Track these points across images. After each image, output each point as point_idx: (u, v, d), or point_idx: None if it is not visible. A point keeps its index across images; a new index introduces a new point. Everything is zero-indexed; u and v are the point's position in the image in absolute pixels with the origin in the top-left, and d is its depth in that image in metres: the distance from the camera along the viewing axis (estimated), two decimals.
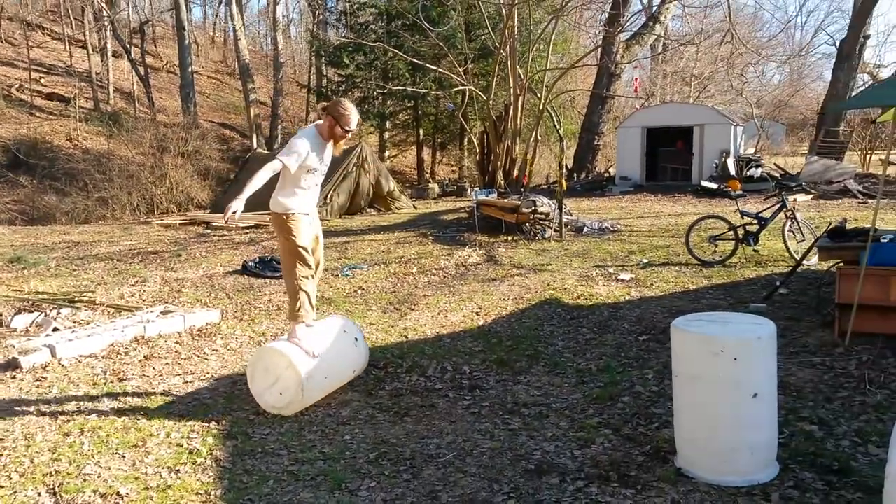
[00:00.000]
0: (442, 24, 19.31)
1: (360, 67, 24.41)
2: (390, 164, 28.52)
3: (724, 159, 17.38)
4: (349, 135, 4.46)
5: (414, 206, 16.68)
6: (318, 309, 7.02)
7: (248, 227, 13.41)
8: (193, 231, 13.88)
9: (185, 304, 7.46)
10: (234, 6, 26.74)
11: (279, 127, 27.29)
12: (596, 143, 21.77)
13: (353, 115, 4.37)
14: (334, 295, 7.68)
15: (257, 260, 9.16)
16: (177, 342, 6.03)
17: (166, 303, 7.43)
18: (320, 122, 4.45)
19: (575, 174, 21.12)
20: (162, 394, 4.82)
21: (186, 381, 5.08)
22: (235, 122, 30.07)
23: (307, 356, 4.34)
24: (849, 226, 6.66)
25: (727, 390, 3.20)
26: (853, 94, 19.11)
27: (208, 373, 5.26)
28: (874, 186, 15.87)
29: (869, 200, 14.39)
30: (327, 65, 27.21)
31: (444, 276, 8.58)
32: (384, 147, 28.85)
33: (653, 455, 3.58)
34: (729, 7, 19.95)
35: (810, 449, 3.54)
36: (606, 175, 20.76)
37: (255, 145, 22.58)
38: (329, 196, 14.70)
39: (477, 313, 6.74)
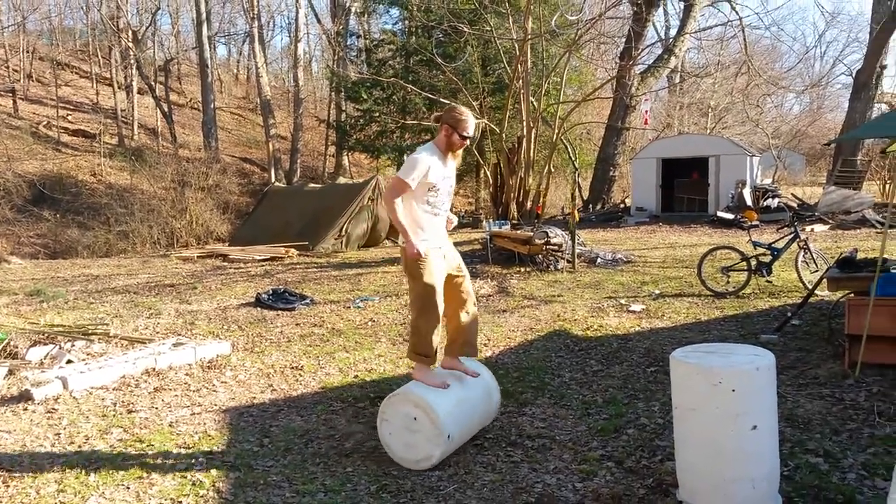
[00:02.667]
0: (458, 60, 19.62)
1: (378, 102, 24.82)
2: None
3: (740, 189, 17.32)
4: (468, 142, 4.14)
5: None
6: (328, 341, 7.10)
7: (263, 260, 13.56)
8: (210, 264, 14.07)
9: (197, 336, 7.55)
10: (256, 44, 27.44)
11: (298, 161, 27.74)
12: (611, 174, 21.83)
13: (470, 119, 4.06)
14: (344, 327, 7.73)
15: (270, 292, 9.26)
16: (187, 374, 6.10)
17: (179, 335, 7.52)
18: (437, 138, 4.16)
19: (590, 205, 21.15)
20: (169, 425, 4.86)
21: (194, 413, 5.12)
22: (256, 156, 30.62)
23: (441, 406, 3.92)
24: (864, 256, 6.62)
25: (726, 422, 3.17)
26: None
27: (216, 404, 5.30)
28: (894, 216, 15.68)
29: (889, 230, 14.21)
30: (346, 100, 27.70)
31: None
32: None
33: (655, 488, 3.54)
34: (744, 39, 20.10)
35: (815, 482, 3.48)
36: (622, 206, 20.77)
37: (273, 179, 22.94)
38: (345, 228, 14.86)
39: (485, 345, 6.73)
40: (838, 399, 4.68)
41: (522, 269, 11.04)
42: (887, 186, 20.62)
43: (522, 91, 13.77)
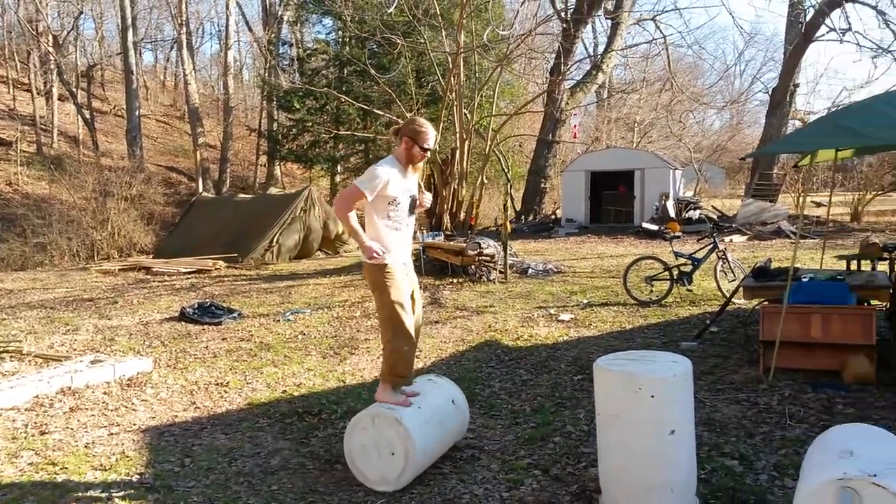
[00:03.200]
0: (392, 71, 19.63)
1: (311, 112, 24.56)
2: None
3: (663, 202, 17.93)
4: (428, 154, 4.07)
5: None
6: (256, 356, 6.95)
7: (189, 273, 13.17)
8: (133, 277, 13.56)
9: (117, 352, 7.25)
10: (184, 51, 26.74)
11: (228, 170, 27.14)
12: (543, 185, 22.23)
13: (430, 131, 3.99)
14: (273, 341, 7.58)
15: (196, 306, 8.99)
16: (105, 393, 5.85)
17: (97, 352, 7.21)
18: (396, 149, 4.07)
19: (523, 216, 21.47)
20: (85, 447, 4.64)
21: (112, 433, 4.91)
22: (183, 165, 29.76)
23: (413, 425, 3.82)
24: (777, 265, 6.95)
25: (646, 428, 3.26)
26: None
27: (135, 424, 5.10)
28: (807, 227, 16.56)
29: (801, 241, 14.98)
30: (278, 109, 27.30)
31: None
32: (336, 190, 28.87)
33: (579, 495, 3.61)
34: (668, 56, 20.88)
35: (730, 484, 3.62)
36: (553, 217, 21.17)
37: (201, 189, 22.34)
38: (276, 239, 14.60)
39: (417, 356, 6.70)
40: (753, 403, 4.88)
41: (455, 280, 11.10)
42: (800, 199, 21.76)
43: (456, 103, 13.88)
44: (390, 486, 3.76)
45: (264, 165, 29.99)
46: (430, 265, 11.89)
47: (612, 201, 19.64)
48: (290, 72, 26.99)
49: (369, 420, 3.86)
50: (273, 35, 28.05)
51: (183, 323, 8.64)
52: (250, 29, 35.59)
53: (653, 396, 3.23)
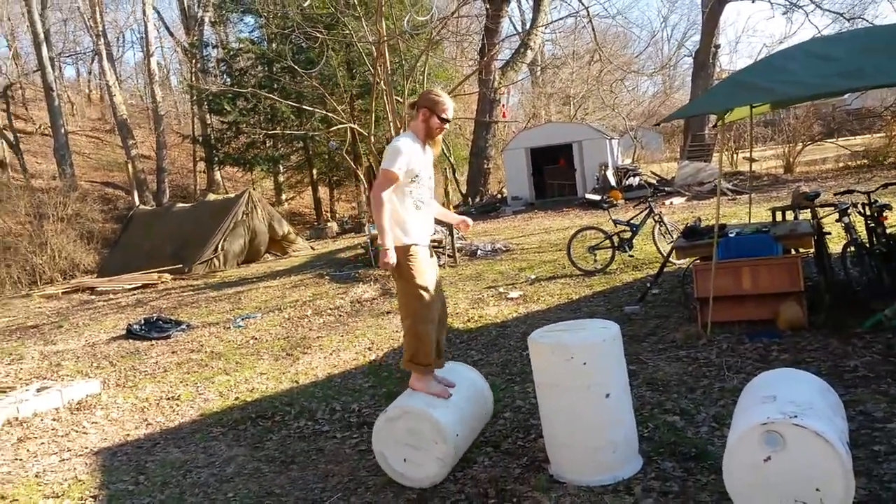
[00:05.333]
0: (320, 65, 19.41)
1: (244, 113, 24.12)
2: (288, 206, 28.19)
3: (603, 172, 18.26)
4: (447, 126, 3.87)
5: (311, 248, 16.56)
6: (206, 366, 6.88)
7: (134, 288, 12.88)
8: (77, 299, 13.21)
9: (64, 377, 7.09)
10: (105, 62, 25.92)
11: (166, 180, 26.50)
12: (486, 166, 22.36)
13: (447, 100, 3.78)
14: (224, 348, 7.51)
15: (142, 321, 8.83)
16: (54, 419, 5.73)
17: (44, 379, 7.04)
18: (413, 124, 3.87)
19: (469, 198, 21.58)
20: (36, 476, 4.56)
21: (63, 459, 4.83)
22: (119, 179, 28.93)
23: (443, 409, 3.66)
24: (709, 223, 7.17)
25: (582, 394, 3.38)
26: None
27: (87, 447, 5.03)
28: (742, 183, 17.10)
29: (737, 196, 15.48)
30: (210, 113, 26.71)
31: (340, 315, 8.56)
32: (280, 190, 28.51)
33: (528, 466, 3.71)
34: (593, 29, 21.16)
35: (672, 439, 3.77)
36: (499, 196, 21.34)
37: (137, 202, 21.79)
38: (220, 246, 14.38)
39: (370, 349, 6.76)
40: (693, 359, 5.07)
41: None
42: (733, 156, 22.43)
43: (386, 91, 13.82)
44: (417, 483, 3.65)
45: (204, 172, 29.38)
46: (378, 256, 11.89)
47: (554, 176, 19.88)
48: (217, 74, 26.41)
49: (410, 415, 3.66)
50: (195, 38, 27.37)
51: (130, 340, 8.48)
52: (171, 34, 34.68)
53: (585, 363, 3.34)
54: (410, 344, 3.79)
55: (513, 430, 4.24)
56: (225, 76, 25.74)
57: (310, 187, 26.41)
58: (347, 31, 16.98)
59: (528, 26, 24.87)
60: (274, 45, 23.11)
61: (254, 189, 22.15)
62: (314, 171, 25.52)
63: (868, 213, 6.02)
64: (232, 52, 25.35)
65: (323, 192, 27.09)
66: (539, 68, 31.11)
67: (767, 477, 2.79)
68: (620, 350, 3.51)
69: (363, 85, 22.11)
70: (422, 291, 3.71)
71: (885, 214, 6.02)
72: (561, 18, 24.67)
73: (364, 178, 15.05)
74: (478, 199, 21.52)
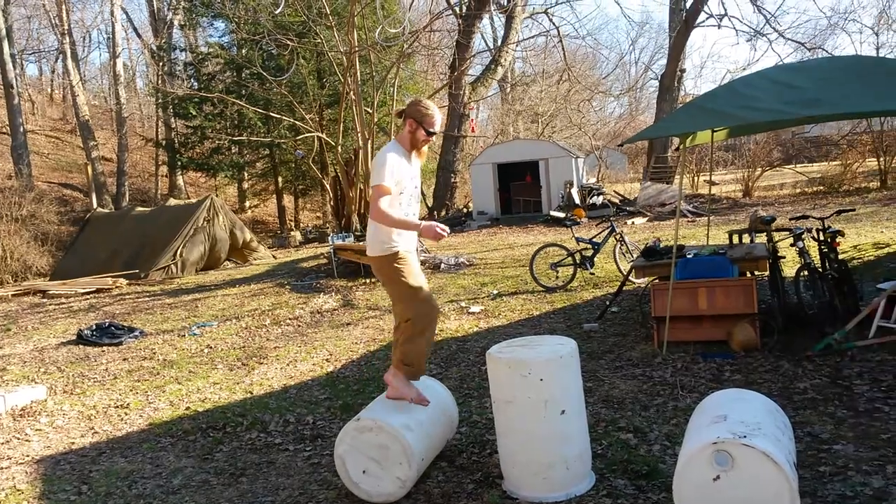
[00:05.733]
0: (293, 73, 19.30)
1: (210, 118, 23.79)
2: (251, 214, 27.84)
3: (568, 190, 18.45)
4: (433, 138, 3.83)
5: (273, 256, 16.35)
6: (158, 374, 6.72)
7: (88, 293, 12.54)
8: (28, 301, 12.79)
9: (9, 382, 6.84)
10: (69, 62, 25.37)
11: (126, 183, 25.98)
12: (452, 180, 22.42)
13: (436, 113, 3.75)
14: (178, 357, 7.34)
15: (94, 327, 8.59)
16: None
17: None
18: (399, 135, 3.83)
19: (435, 212, 21.59)
20: None
21: (2, 468, 4.65)
22: (77, 181, 28.23)
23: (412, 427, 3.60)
24: (668, 244, 7.28)
25: (538, 410, 3.37)
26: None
27: (28, 455, 4.85)
28: (702, 206, 17.44)
29: (697, 218, 15.77)
30: (174, 116, 26.30)
31: (299, 326, 8.44)
32: (244, 197, 28.15)
33: (482, 482, 3.68)
34: (563, 49, 21.51)
35: (625, 456, 3.78)
36: (465, 211, 21.40)
37: (95, 204, 21.28)
38: (179, 252, 14.11)
39: (327, 360, 6.68)
40: (648, 377, 5.12)
41: (368, 281, 11.06)
42: (695, 178, 22.88)
43: (356, 102, 13.80)
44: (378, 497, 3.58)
45: (166, 176, 28.87)
46: (342, 267, 11.81)
47: (520, 192, 20.04)
48: (184, 78, 26.04)
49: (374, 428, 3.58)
50: (164, 41, 27.00)
51: (81, 346, 8.24)
52: (139, 36, 34.14)
53: (541, 379, 3.34)
54: (406, 347, 3.74)
55: (468, 446, 4.21)
56: (192, 80, 25.39)
57: (274, 195, 26.14)
58: (319, 41, 16.95)
59: (499, 43, 25.11)
60: (244, 50, 22.89)
61: (217, 195, 21.87)
62: (279, 180, 25.28)
63: (822, 238, 6.18)
64: (200, 57, 25.03)
65: (288, 200, 26.84)
66: (509, 85, 31.42)
67: (716, 496, 2.81)
68: (577, 367, 3.52)
69: (333, 94, 22.04)
70: (415, 292, 3.69)
71: (837, 240, 6.18)
72: (532, 37, 25.01)
73: (330, 189, 14.95)
74: (443, 213, 21.54)
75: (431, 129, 3.76)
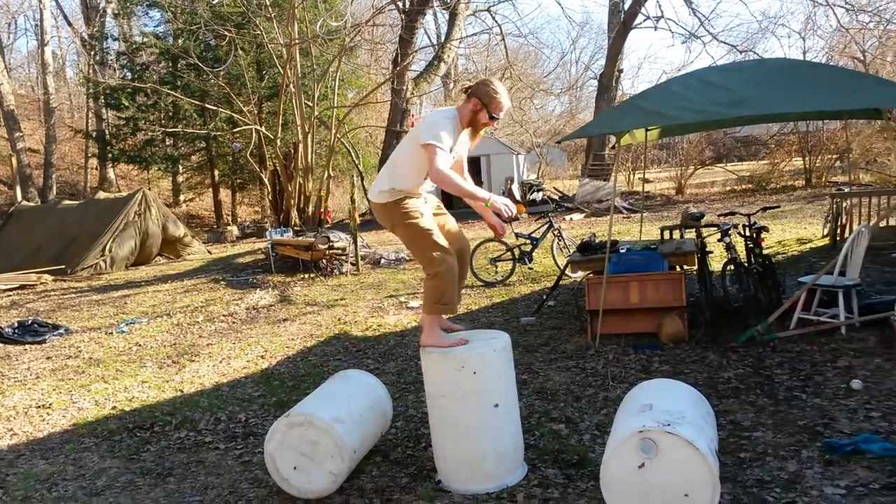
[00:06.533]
0: (231, 65, 18.85)
1: (143, 109, 23.02)
2: (186, 208, 27.09)
3: (509, 186, 18.63)
4: (494, 123, 3.64)
5: (208, 251, 15.94)
6: (83, 373, 6.46)
7: (10, 289, 11.97)
8: None
9: None
10: None
11: (53, 175, 24.90)
12: None
13: (505, 99, 3.52)
14: (104, 355, 7.08)
15: (15, 325, 8.21)
16: None
17: None
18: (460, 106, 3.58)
19: None
20: None
21: None
22: (2, 173, 26.92)
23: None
24: (603, 239, 7.42)
25: (471, 403, 3.39)
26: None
27: None
28: (637, 203, 17.87)
29: (632, 215, 16.16)
30: (106, 107, 25.35)
31: (233, 322, 8.26)
32: (179, 191, 27.37)
33: (416, 475, 3.68)
34: (506, 47, 21.67)
35: (556, 446, 3.84)
36: None
37: (20, 197, 20.34)
38: (108, 247, 13.61)
39: (262, 356, 6.56)
40: (581, 369, 5.21)
41: (306, 276, 10.92)
42: (631, 176, 23.42)
43: (296, 95, 13.58)
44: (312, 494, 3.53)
45: (96, 169, 27.80)
46: (280, 262, 11.62)
47: None
48: (116, 67, 25.11)
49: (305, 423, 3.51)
50: (96, 29, 25.95)
51: (1, 344, 7.85)
52: (70, 23, 32.71)
53: (475, 372, 3.36)
54: (433, 288, 3.52)
55: (403, 440, 4.20)
56: (125, 70, 24.51)
57: (211, 189, 25.49)
58: (258, 32, 16.61)
59: (442, 39, 25.13)
60: (180, 40, 22.22)
61: (149, 189, 21.20)
62: (216, 173, 24.67)
63: (748, 234, 6.41)
64: (134, 46, 24.16)
65: (225, 194, 26.22)
66: (452, 82, 31.46)
67: (641, 483, 2.88)
68: (510, 360, 3.55)
69: (272, 87, 21.64)
70: (427, 232, 3.51)
71: (762, 236, 6.42)
72: (475, 34, 25.13)
73: (269, 183, 14.67)
74: None
75: (496, 115, 3.53)
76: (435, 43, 28.32)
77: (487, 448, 3.41)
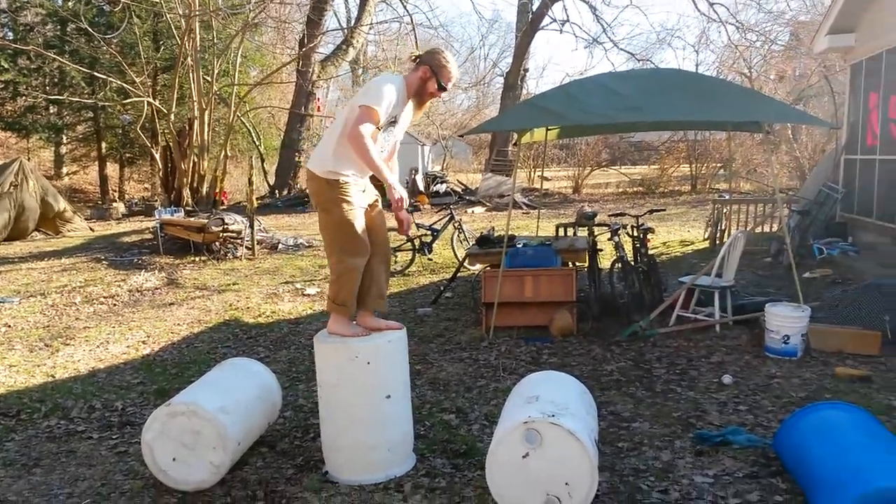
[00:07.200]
0: (125, 32, 17.75)
1: (25, 73, 21.31)
2: (69, 181, 25.34)
3: (413, 176, 18.65)
4: (441, 95, 3.54)
5: (91, 229, 14.99)
6: None
7: None
8: None
9: None
10: None
11: None
12: (297, 159, 21.83)
13: (455, 69, 3.46)
14: None
15: None
16: None
17: None
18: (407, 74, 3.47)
19: (276, 191, 20.93)
20: None
21: None
22: None
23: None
24: (502, 233, 7.56)
25: (363, 394, 3.36)
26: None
27: None
28: (536, 199, 18.34)
29: (531, 211, 16.58)
30: None
31: (114, 305, 7.82)
32: (61, 162, 25.55)
33: (303, 466, 3.62)
34: (416, 38, 21.59)
35: (445, 437, 3.88)
36: (307, 191, 20.94)
37: None
38: None
39: (144, 342, 6.25)
40: (474, 360, 5.29)
41: (197, 259, 10.50)
42: (532, 173, 24.00)
43: (193, 69, 12.98)
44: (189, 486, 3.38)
45: None
46: (169, 243, 11.12)
47: None
48: None
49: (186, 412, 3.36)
50: None
51: None
52: None
53: (369, 363, 3.34)
54: (335, 282, 3.46)
55: (291, 430, 4.12)
56: (6, 30, 22.57)
57: (96, 163, 23.96)
58: (156, 0, 15.74)
59: (352, 24, 24.75)
60: (70, 2, 20.72)
61: (28, 158, 19.65)
62: (103, 146, 23.19)
63: (635, 234, 6.71)
64: (17, 5, 22.27)
65: (112, 169, 24.72)
66: (361, 68, 31.05)
67: (525, 472, 2.95)
68: (405, 351, 3.54)
69: (169, 59, 20.57)
70: (346, 224, 3.37)
71: (648, 237, 6.74)
72: (385, 21, 24.86)
73: (160, 159, 13.98)
74: (286, 192, 20.93)
75: (446, 84, 3.46)
76: (344, 27, 27.88)
77: (377, 439, 3.40)
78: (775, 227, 10.52)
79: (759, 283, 7.54)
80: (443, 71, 3.43)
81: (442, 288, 7.44)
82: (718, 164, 22.07)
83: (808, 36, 18.67)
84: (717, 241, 10.00)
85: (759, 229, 10.17)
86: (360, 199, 3.48)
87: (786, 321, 4.99)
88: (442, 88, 3.47)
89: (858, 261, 7.91)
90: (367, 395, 3.38)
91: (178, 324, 6.86)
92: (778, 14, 21.72)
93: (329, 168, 3.38)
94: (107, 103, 19.34)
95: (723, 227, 10.27)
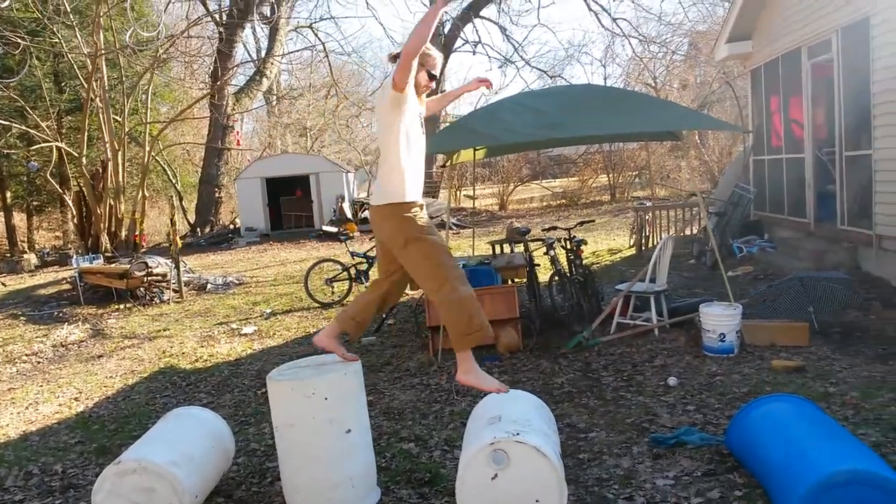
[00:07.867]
0: (25, 75, 16.95)
1: None
2: None
3: (340, 204, 18.53)
4: (433, 84, 3.40)
5: (2, 284, 14.14)
6: None
7: None
8: None
9: None
10: None
11: None
12: (217, 195, 21.34)
13: (438, 56, 3.35)
14: None
15: None
16: None
17: None
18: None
19: (198, 229, 20.35)
20: None
21: None
22: None
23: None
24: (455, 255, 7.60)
25: (322, 430, 3.29)
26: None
27: None
28: (465, 219, 18.55)
29: (461, 230, 16.74)
30: None
31: (39, 362, 7.40)
32: None
33: None
34: (329, 64, 21.60)
35: (408, 466, 3.85)
36: (231, 227, 20.47)
37: None
38: None
39: (76, 399, 5.92)
40: (426, 385, 5.28)
41: (122, 307, 10.06)
42: (457, 193, 24.26)
43: (102, 109, 12.52)
44: None
45: None
46: (90, 293, 10.61)
47: (291, 207, 19.67)
48: None
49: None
50: None
51: None
52: None
53: (326, 398, 3.28)
54: (458, 314, 3.17)
55: (247, 476, 3.99)
56: None
57: (1, 213, 22.67)
58: (57, 41, 15.12)
59: (263, 54, 24.47)
60: None
61: None
62: (8, 195, 22.00)
63: (569, 247, 6.88)
64: None
65: (19, 218, 23.45)
66: (275, 97, 30.72)
67: (495, 493, 2.96)
68: (361, 384, 3.50)
69: (74, 100, 19.78)
70: (442, 246, 3.24)
71: (581, 248, 6.92)
72: (297, 51, 24.78)
73: (73, 205, 13.36)
74: (208, 230, 20.38)
75: (434, 71, 3.39)
76: (255, 58, 27.56)
77: (339, 476, 3.33)
78: (695, 230, 11.01)
79: (687, 284, 7.85)
80: (427, 59, 3.37)
81: (384, 315, 7.40)
82: (634, 173, 22.94)
83: (706, 45, 19.77)
84: (643, 247, 10.37)
85: (683, 233, 10.62)
86: (430, 221, 3.40)
87: (720, 320, 5.21)
88: (432, 77, 3.42)
89: (777, 256, 8.37)
90: (327, 432, 3.32)
91: (111, 376, 6.55)
92: (677, 25, 22.90)
93: (389, 193, 3.26)
94: (10, 151, 18.38)
95: (647, 234, 10.66)
